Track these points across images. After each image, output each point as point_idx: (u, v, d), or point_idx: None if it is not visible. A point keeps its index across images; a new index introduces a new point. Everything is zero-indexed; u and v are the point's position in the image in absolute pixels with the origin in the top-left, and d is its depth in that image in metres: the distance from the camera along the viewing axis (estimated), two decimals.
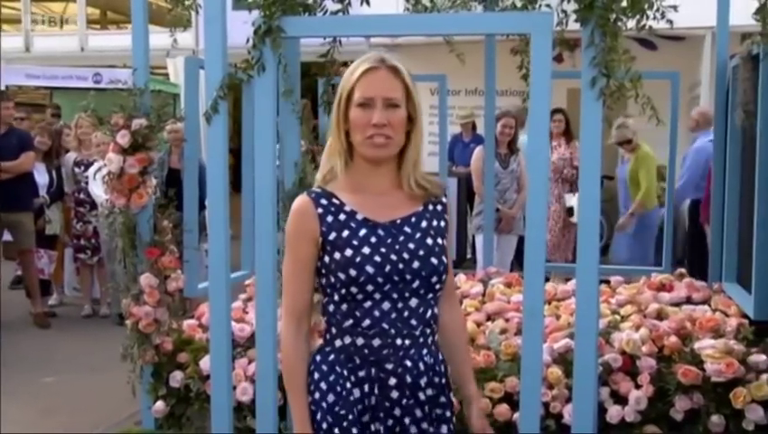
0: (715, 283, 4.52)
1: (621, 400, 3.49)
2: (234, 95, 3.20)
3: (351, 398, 1.95)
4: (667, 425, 3.47)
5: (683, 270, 4.89)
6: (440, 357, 2.05)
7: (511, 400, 3.45)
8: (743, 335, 3.66)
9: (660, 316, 3.99)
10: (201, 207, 4.51)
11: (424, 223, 2.01)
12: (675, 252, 5.66)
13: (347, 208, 1.98)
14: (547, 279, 4.81)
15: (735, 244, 4.37)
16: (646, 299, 4.21)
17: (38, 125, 7.97)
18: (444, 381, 2.05)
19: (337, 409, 1.95)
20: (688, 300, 4.36)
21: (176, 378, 3.87)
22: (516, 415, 3.30)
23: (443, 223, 2.05)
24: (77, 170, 7.21)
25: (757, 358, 3.45)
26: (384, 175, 2.00)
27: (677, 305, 4.24)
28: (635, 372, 3.51)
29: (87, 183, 6.95)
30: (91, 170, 6.63)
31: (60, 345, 6.34)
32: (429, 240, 1.99)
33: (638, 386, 3.47)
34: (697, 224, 6.12)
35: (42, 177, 7.11)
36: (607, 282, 4.66)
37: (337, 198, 2.00)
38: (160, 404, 3.87)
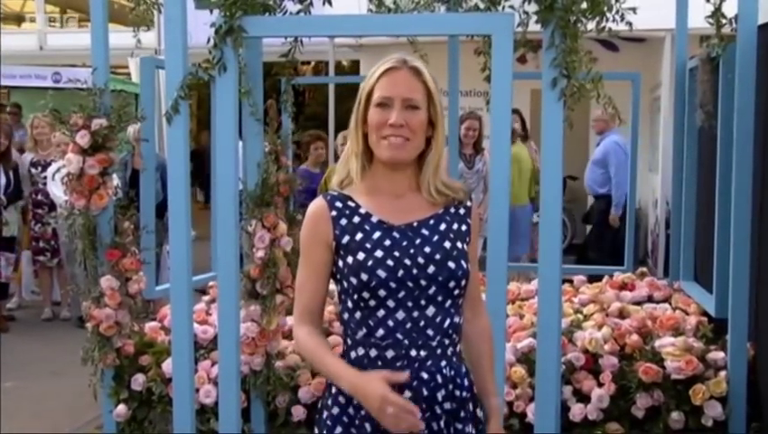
0: (675, 282, 4.59)
1: (583, 398, 3.53)
2: (198, 95, 3.17)
3: (366, 412, 1.84)
4: (628, 422, 3.51)
5: (644, 269, 4.97)
6: (463, 370, 1.94)
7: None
8: (702, 333, 3.73)
9: (622, 314, 4.04)
10: (166, 208, 4.45)
11: (443, 226, 1.92)
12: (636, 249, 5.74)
13: (362, 210, 1.91)
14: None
15: (693, 243, 4.44)
16: (608, 298, 4.26)
17: None
18: (466, 394, 1.94)
19: (357, 421, 1.87)
20: (650, 299, 4.43)
21: (138, 381, 3.83)
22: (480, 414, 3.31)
23: (464, 227, 1.95)
24: (33, 171, 7.09)
25: (715, 355, 3.51)
26: (402, 179, 1.92)
27: (638, 303, 4.29)
28: (597, 371, 3.55)
29: (44, 184, 6.84)
30: (50, 170, 6.53)
31: (20, 349, 6.23)
32: (447, 244, 1.89)
33: (600, 384, 3.51)
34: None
35: None
36: (570, 281, 4.71)
37: (353, 201, 1.92)
38: (122, 408, 3.82)
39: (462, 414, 1.92)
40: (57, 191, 6.00)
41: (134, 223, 3.84)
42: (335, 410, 1.90)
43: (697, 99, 4.01)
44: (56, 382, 5.29)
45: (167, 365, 3.67)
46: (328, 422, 1.91)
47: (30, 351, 6.19)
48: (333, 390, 1.92)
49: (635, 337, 3.65)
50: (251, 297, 3.52)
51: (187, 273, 3.06)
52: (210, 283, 4.56)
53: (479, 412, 1.97)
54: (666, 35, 8.09)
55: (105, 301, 3.66)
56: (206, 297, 4.50)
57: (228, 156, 2.92)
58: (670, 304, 4.27)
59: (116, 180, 4.21)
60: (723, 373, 3.46)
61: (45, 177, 6.79)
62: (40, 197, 7.04)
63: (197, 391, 3.58)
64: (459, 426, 1.92)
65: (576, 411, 3.49)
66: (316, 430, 1.97)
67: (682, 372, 3.41)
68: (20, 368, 5.67)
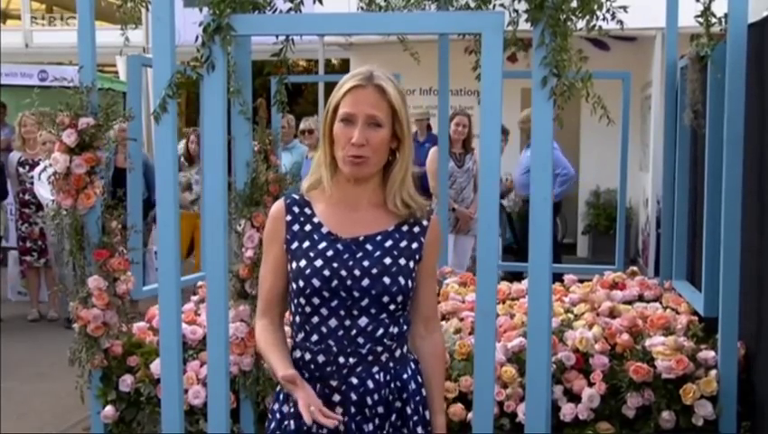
0: (666, 281, 4.59)
1: (574, 397, 3.52)
2: (186, 94, 3.14)
3: (296, 410, 1.92)
4: (619, 422, 3.51)
5: (635, 268, 4.97)
6: (406, 375, 2.00)
7: (466, 399, 3.46)
8: (692, 332, 3.72)
9: (612, 313, 4.04)
10: (153, 206, 4.42)
11: (389, 243, 1.98)
12: None
13: (315, 220, 2.00)
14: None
15: (685, 243, 4.44)
16: (599, 298, 4.25)
17: None
18: (408, 396, 1.99)
19: (287, 420, 1.98)
20: (640, 298, 4.43)
21: (126, 382, 3.79)
22: (471, 414, 3.31)
23: (415, 245, 2.00)
24: (21, 170, 7.04)
25: (706, 354, 3.51)
26: (363, 193, 1.99)
27: (629, 303, 4.29)
28: (588, 370, 3.54)
29: (32, 183, 6.79)
30: (37, 170, 6.48)
31: (7, 350, 6.17)
32: (388, 260, 1.95)
33: (591, 384, 3.50)
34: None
35: None
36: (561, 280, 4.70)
37: (311, 208, 2.02)
38: (110, 409, 3.79)
39: (394, 417, 1.98)
40: (43, 192, 5.95)
41: (121, 223, 3.80)
42: (276, 406, 2.03)
43: (686, 98, 4.01)
44: (43, 384, 5.25)
45: (155, 366, 3.64)
46: (269, 416, 2.06)
47: (17, 352, 6.15)
48: (278, 386, 2.03)
49: (626, 337, 3.64)
50: (240, 297, 3.50)
51: (175, 273, 3.03)
52: (199, 283, 4.53)
53: (413, 418, 2.02)
54: (656, 34, 8.12)
55: (92, 301, 3.62)
56: (195, 297, 4.47)
57: (216, 156, 2.89)
58: (661, 303, 4.27)
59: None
60: (713, 372, 3.46)
61: (33, 177, 6.75)
62: (27, 196, 6.99)
63: (186, 391, 3.56)
64: (391, 430, 1.98)
65: (567, 411, 3.48)
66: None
67: (673, 371, 3.40)
68: (6, 369, 5.63)
